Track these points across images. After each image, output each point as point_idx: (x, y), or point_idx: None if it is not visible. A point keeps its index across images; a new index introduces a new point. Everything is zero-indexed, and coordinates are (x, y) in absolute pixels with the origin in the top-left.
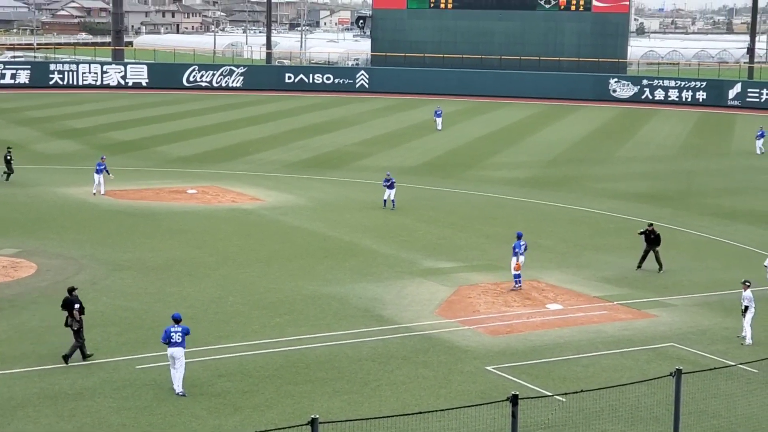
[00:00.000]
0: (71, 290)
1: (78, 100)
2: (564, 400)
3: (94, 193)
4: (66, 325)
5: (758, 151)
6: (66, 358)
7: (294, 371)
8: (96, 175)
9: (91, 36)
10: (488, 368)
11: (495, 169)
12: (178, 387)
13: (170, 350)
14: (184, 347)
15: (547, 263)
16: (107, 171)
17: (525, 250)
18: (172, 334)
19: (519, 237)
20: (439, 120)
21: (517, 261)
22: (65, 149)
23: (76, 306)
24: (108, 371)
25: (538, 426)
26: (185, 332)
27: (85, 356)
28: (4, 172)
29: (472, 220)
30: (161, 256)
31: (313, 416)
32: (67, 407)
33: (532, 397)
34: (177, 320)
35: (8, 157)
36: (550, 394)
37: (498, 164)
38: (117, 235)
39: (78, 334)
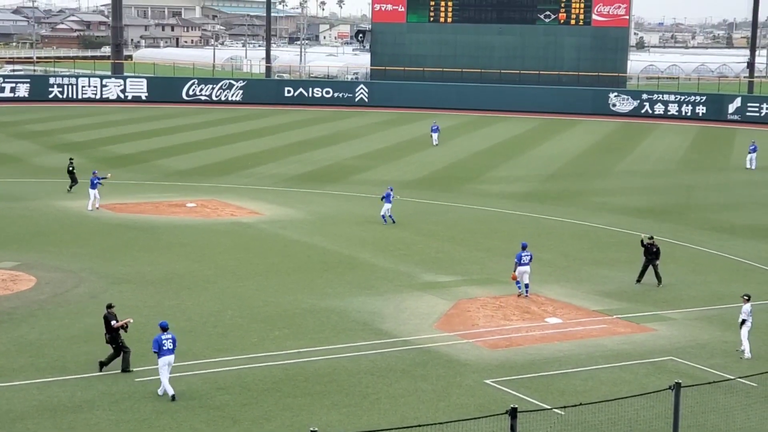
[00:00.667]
0: (107, 307)
1: (77, 114)
2: (563, 413)
3: (90, 210)
4: (106, 341)
5: (747, 165)
6: (124, 369)
7: (293, 384)
8: (91, 191)
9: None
10: (487, 382)
11: (494, 183)
12: (161, 390)
13: (167, 358)
14: (174, 354)
15: (547, 277)
16: (101, 178)
17: (530, 260)
18: (164, 342)
19: (524, 248)
20: (435, 135)
21: (514, 271)
22: (64, 163)
23: (112, 322)
24: (107, 384)
25: None
26: (175, 339)
27: (102, 365)
28: (70, 185)
29: (472, 233)
30: (160, 270)
31: (312, 429)
32: (65, 420)
33: (531, 411)
34: (165, 328)
35: (71, 168)
36: (549, 407)
37: (497, 178)
38: (116, 249)
39: (116, 346)
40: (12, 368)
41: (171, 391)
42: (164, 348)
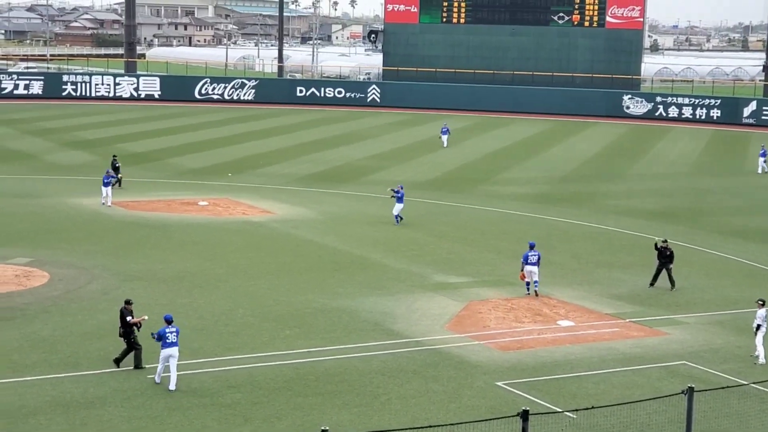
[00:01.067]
0: (126, 302)
1: (91, 112)
2: (574, 416)
3: (103, 203)
4: (119, 335)
5: (759, 170)
6: (116, 361)
7: (304, 383)
8: (103, 188)
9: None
10: (498, 384)
11: (506, 185)
12: (173, 385)
13: (168, 350)
14: (178, 346)
15: (559, 279)
16: (115, 177)
17: (538, 260)
18: (168, 335)
19: (531, 247)
20: (445, 137)
21: (521, 270)
22: (77, 160)
23: (128, 318)
24: (119, 380)
25: None
26: (179, 332)
27: (117, 362)
28: (116, 180)
29: (483, 235)
30: (172, 268)
31: (323, 428)
32: (78, 416)
33: (542, 413)
34: (169, 321)
35: (116, 165)
36: (561, 410)
37: (509, 180)
38: (128, 246)
39: (129, 341)
40: (25, 364)
41: (158, 379)
42: (168, 341)
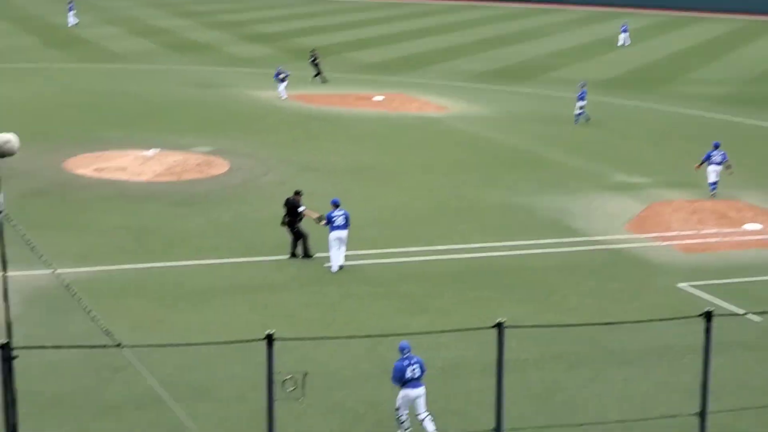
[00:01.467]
0: (295, 193)
1: (269, 5)
2: (760, 320)
3: (283, 98)
4: (282, 223)
5: None
6: (292, 254)
7: (479, 278)
8: (278, 83)
9: None
10: (680, 285)
11: (692, 85)
12: (341, 261)
13: (337, 233)
14: (347, 229)
15: (746, 183)
16: (285, 73)
17: (723, 160)
18: (335, 218)
19: (716, 147)
20: (624, 35)
21: (699, 164)
22: (255, 53)
23: (300, 208)
24: (296, 267)
25: (732, 345)
26: (347, 215)
27: (293, 255)
28: (317, 75)
29: (667, 136)
30: (347, 160)
31: (499, 320)
32: (259, 298)
33: (726, 315)
34: (337, 204)
35: (314, 60)
36: (745, 312)
37: (696, 80)
38: (304, 139)
39: (294, 231)
40: (208, 247)
41: (335, 267)
42: (335, 224)
